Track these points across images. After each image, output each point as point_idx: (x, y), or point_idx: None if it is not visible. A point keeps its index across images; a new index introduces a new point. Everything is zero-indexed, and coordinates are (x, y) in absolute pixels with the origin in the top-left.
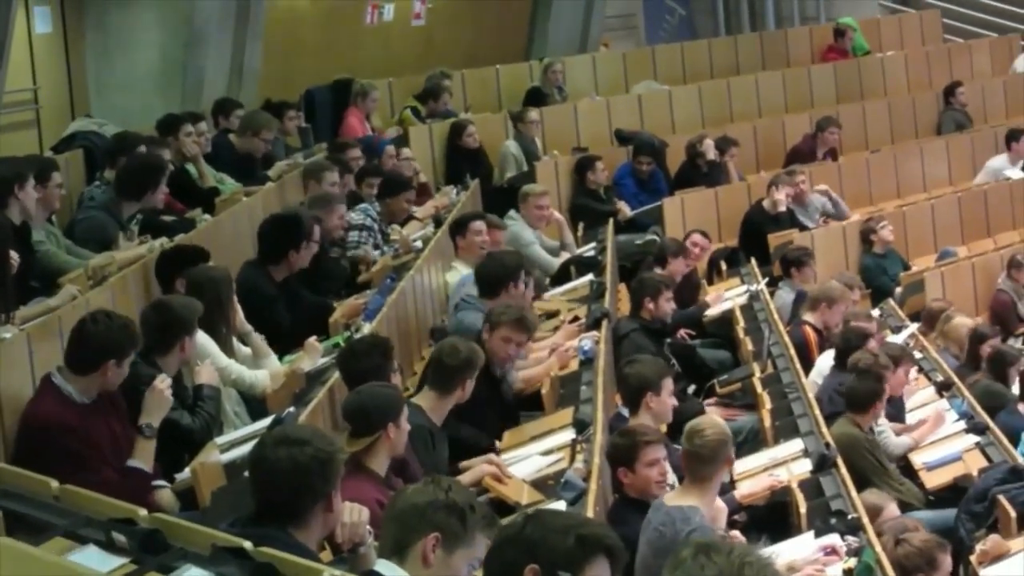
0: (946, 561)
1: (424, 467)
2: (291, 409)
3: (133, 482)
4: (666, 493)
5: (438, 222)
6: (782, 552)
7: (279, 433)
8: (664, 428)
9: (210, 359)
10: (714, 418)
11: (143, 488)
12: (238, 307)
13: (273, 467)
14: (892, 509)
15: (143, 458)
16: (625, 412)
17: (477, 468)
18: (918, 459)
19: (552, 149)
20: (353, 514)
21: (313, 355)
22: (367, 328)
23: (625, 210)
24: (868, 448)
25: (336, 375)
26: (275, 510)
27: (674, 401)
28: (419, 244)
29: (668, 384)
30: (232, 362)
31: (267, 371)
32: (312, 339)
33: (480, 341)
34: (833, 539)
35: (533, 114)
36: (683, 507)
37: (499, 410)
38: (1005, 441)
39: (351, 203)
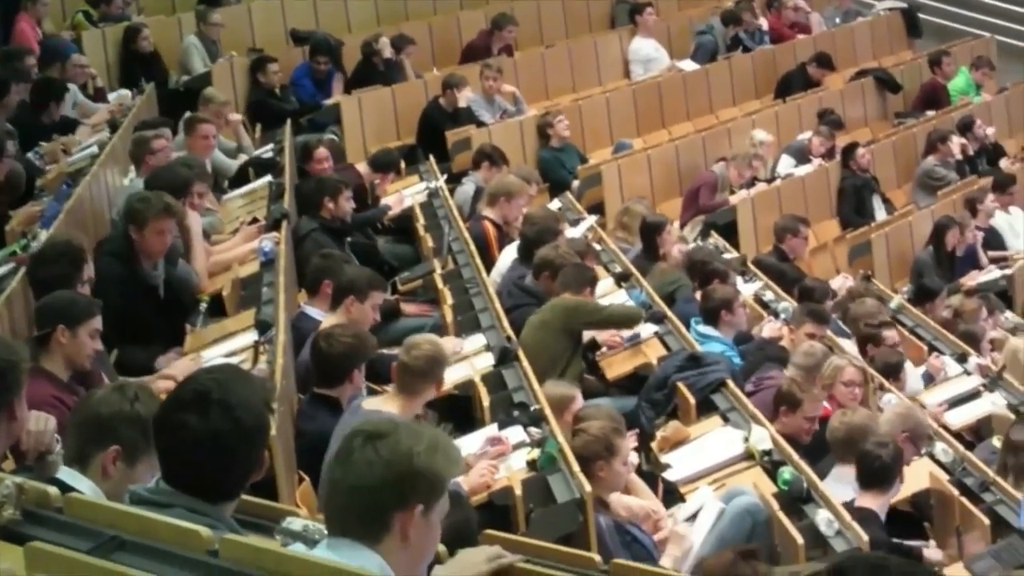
0: (624, 445)
1: None
2: None
3: None
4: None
5: (114, 126)
6: (461, 446)
7: None
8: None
9: None
10: (433, 336)
11: None
12: None
13: None
14: (580, 399)
15: None
16: (310, 311)
17: (152, 385)
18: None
19: (229, 51)
20: (39, 423)
21: None
22: (44, 235)
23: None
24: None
25: (15, 283)
26: None
27: (376, 315)
28: (95, 149)
29: (375, 297)
30: None
31: None
32: None
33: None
34: (510, 432)
35: (216, 16)
36: (382, 412)
37: (165, 315)
38: (683, 329)
39: (25, 117)
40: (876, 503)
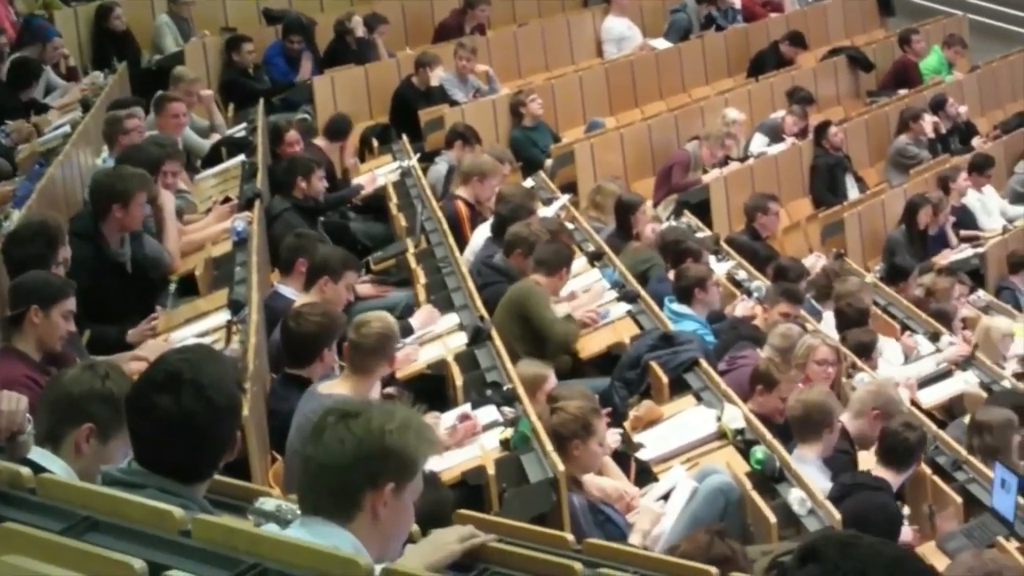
0: (601, 426)
1: None
2: None
3: None
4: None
5: (86, 106)
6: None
7: None
8: None
9: None
10: (383, 313)
11: None
12: None
13: None
14: (553, 378)
15: None
16: (283, 290)
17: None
18: None
19: (201, 30)
20: (11, 402)
21: None
22: (16, 215)
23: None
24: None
25: None
26: None
27: (350, 295)
28: (67, 129)
29: (349, 277)
30: None
31: None
32: None
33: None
34: (483, 412)
35: None
36: (334, 396)
37: (134, 293)
38: (656, 308)
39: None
40: (892, 479)
